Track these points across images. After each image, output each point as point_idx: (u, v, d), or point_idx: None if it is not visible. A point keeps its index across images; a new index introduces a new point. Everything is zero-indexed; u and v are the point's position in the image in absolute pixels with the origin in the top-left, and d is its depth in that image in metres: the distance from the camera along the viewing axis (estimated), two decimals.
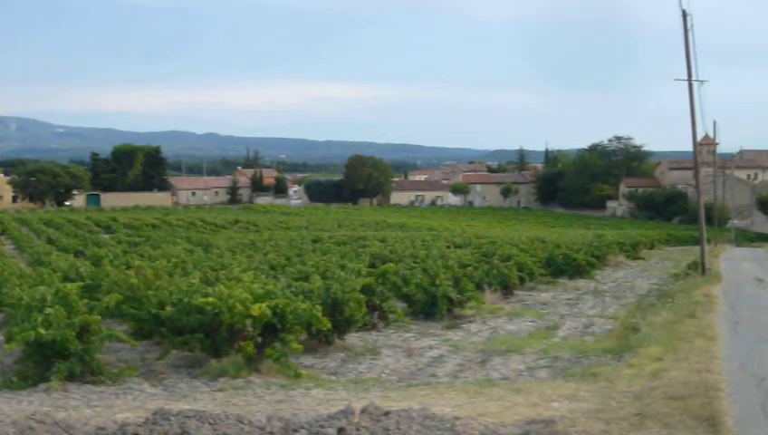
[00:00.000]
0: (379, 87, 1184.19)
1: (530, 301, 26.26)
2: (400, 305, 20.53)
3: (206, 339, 13.80)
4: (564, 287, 30.99)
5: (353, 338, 17.36)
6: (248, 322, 13.40)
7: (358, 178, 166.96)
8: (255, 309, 13.29)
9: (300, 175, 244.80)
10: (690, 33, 35.44)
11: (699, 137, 39.59)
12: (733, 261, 50.75)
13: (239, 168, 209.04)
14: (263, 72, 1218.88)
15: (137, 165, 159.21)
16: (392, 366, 15.07)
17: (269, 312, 13.49)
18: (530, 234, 68.95)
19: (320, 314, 14.27)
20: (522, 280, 29.00)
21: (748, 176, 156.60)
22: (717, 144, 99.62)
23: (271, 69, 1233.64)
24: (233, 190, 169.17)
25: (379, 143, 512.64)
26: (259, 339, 13.78)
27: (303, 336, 15.25)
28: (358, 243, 46.74)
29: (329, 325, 14.94)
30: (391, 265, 21.62)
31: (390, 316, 18.77)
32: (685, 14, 34.92)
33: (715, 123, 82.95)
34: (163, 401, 11.27)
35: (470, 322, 20.91)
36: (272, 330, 13.83)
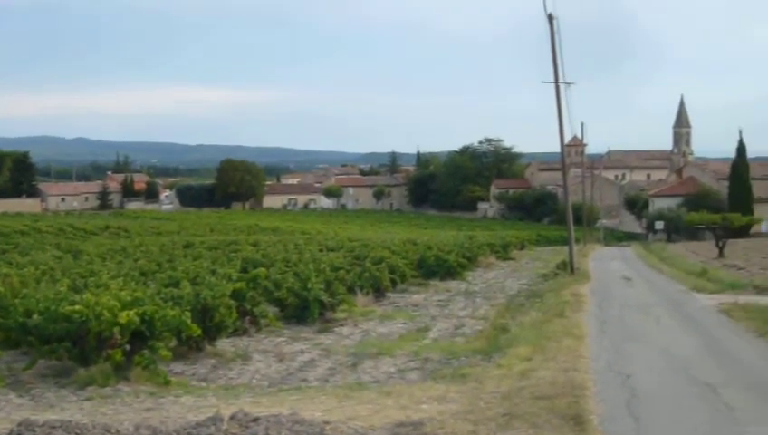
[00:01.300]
0: (250, 90, 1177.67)
1: (402, 303, 26.42)
2: (272, 310, 20.45)
3: (74, 347, 13.55)
4: (436, 289, 31.23)
5: (224, 344, 17.26)
6: (116, 329, 13.21)
7: (230, 182, 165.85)
8: (123, 317, 13.13)
9: (171, 179, 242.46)
10: (557, 37, 36.11)
11: (567, 138, 40.36)
12: (601, 260, 51.82)
13: (109, 173, 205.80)
14: (132, 76, 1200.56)
15: (4, 171, 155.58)
16: (263, 371, 15.03)
17: (137, 319, 13.33)
18: (402, 236, 69.38)
19: (189, 321, 14.17)
20: (394, 282, 29.13)
21: (616, 176, 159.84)
22: (585, 145, 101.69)
23: (140, 72, 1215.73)
24: (103, 196, 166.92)
25: (252, 147, 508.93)
26: (127, 347, 13.60)
27: (173, 343, 15.10)
28: (230, 247, 46.42)
29: (198, 332, 14.83)
30: (262, 269, 21.53)
31: (262, 321, 18.68)
32: (551, 18, 35.57)
33: (582, 125, 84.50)
34: (29, 412, 11.06)
35: (342, 325, 20.95)
36: (140, 337, 13.68)
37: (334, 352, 16.86)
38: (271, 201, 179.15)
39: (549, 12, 35.51)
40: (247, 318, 18.39)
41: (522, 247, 67.91)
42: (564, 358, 14.42)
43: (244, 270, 25.72)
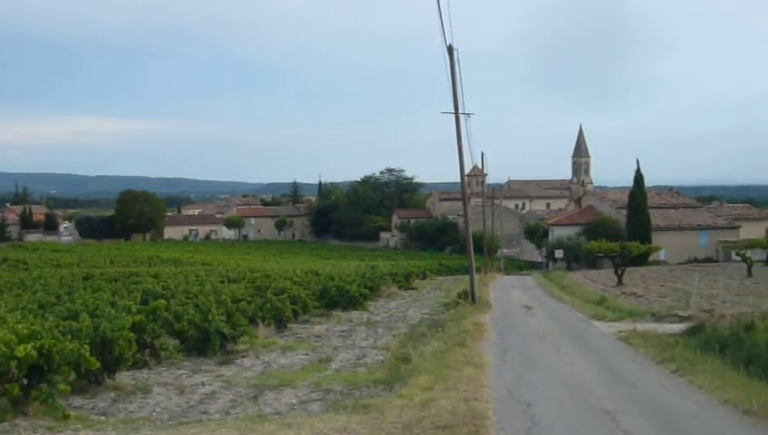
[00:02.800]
0: (150, 121, 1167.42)
1: (304, 334, 26.34)
2: (173, 342, 20.24)
3: None
4: (338, 319, 31.20)
5: (124, 377, 17.05)
6: (13, 363, 12.96)
7: (130, 214, 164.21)
8: (20, 350, 12.89)
9: (71, 211, 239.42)
10: (456, 67, 36.46)
11: (468, 168, 40.72)
12: (502, 289, 52.26)
13: (8, 204, 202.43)
14: (29, 106, 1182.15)
15: None
16: (164, 404, 14.87)
17: (35, 353, 13.10)
18: (304, 266, 69.24)
19: (88, 354, 13.97)
20: (295, 313, 29.04)
21: (516, 206, 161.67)
22: (486, 175, 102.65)
23: (37, 102, 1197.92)
24: (1, 228, 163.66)
25: (152, 177, 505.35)
26: (25, 381, 13.36)
27: (72, 377, 14.86)
28: (130, 279, 45.83)
29: (98, 365, 14.63)
30: (162, 301, 21.30)
31: (162, 354, 18.48)
32: (451, 49, 35.88)
33: (483, 155, 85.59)
34: None
35: (243, 357, 20.82)
36: (38, 371, 13.44)
37: (235, 384, 16.75)
38: (172, 232, 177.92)
39: (449, 43, 35.87)
40: (147, 351, 18.19)
41: (423, 277, 68.18)
42: (465, 387, 14.53)
43: (145, 302, 25.46)
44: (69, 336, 14.77)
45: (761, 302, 30.90)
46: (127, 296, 29.24)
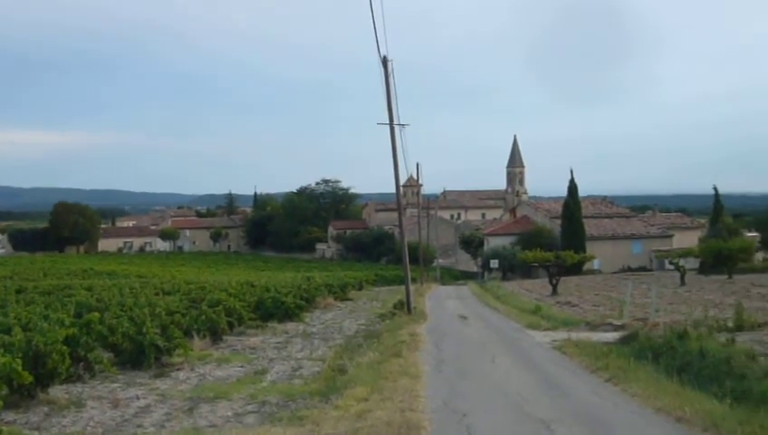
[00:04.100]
0: (84, 132, 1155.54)
1: (239, 346, 26.18)
2: (107, 355, 20.02)
3: None
4: (274, 331, 31.06)
5: (57, 391, 16.84)
6: None
7: (64, 226, 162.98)
8: None
9: (3, 223, 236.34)
10: (391, 79, 36.51)
11: (403, 179, 40.73)
12: (438, 299, 52.44)
13: None
14: None
15: None
16: (98, 418, 14.71)
17: None
18: (240, 278, 68.97)
19: (20, 368, 13.83)
20: (231, 325, 28.86)
21: (452, 216, 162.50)
22: (421, 185, 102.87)
23: None
24: None
25: (86, 189, 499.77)
26: None
27: (4, 391, 14.69)
28: (64, 292, 45.31)
29: (30, 379, 14.47)
30: (96, 314, 21.07)
31: (96, 367, 18.28)
32: (385, 60, 35.95)
33: (418, 165, 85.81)
34: None
35: (178, 369, 20.66)
36: None
37: (170, 397, 16.62)
38: (106, 244, 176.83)
39: (383, 55, 35.94)
40: (81, 364, 17.99)
41: (360, 288, 68.18)
42: (401, 398, 14.55)
43: (79, 315, 25.17)
44: (1, 350, 14.60)
45: (693, 310, 31.23)
46: (60, 309, 28.86)
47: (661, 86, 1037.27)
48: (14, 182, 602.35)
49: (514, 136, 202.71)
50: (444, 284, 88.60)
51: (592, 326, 28.74)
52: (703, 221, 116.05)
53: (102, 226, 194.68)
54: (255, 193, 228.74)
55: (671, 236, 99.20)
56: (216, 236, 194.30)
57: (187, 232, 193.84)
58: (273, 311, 34.84)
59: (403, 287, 40.85)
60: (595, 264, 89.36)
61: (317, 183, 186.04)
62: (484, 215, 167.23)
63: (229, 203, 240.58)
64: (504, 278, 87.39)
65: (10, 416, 14.80)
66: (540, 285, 64.27)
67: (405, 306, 37.91)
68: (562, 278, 59.37)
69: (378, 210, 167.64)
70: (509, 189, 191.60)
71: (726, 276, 62.56)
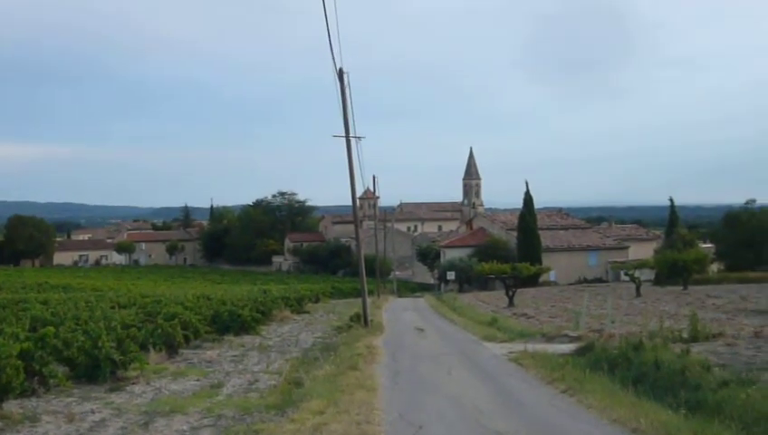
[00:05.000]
0: (38, 145, 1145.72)
1: (195, 359, 26.09)
2: (62, 369, 19.89)
3: None
4: (230, 344, 30.96)
5: (12, 405, 16.68)
6: None
7: (18, 239, 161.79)
8: None
9: None
10: (347, 91, 36.56)
11: (360, 191, 40.76)
12: (395, 312, 52.50)
13: None
14: None
15: None
16: (52, 433, 14.60)
17: None
18: (196, 291, 68.58)
19: None
20: (187, 339, 28.71)
21: (408, 228, 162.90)
22: (378, 198, 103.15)
23: None
24: None
25: (41, 203, 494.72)
26: None
27: None
28: (18, 306, 44.87)
29: None
30: (51, 328, 20.92)
31: (51, 381, 18.15)
32: (341, 73, 35.97)
33: (375, 178, 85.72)
34: None
35: (134, 383, 20.53)
36: None
37: (126, 411, 16.52)
38: (62, 258, 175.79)
39: (339, 67, 35.98)
40: (36, 378, 17.85)
41: (316, 300, 68.10)
42: (357, 410, 14.56)
43: (33, 329, 25.04)
44: None
45: (649, 321, 31.46)
46: (15, 323, 28.60)
47: (619, 99, 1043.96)
48: None
49: (470, 148, 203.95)
50: (401, 296, 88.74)
51: (548, 338, 28.90)
52: (658, 233, 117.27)
53: (58, 239, 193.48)
54: (212, 206, 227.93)
55: (627, 248, 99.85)
56: (172, 250, 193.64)
57: (143, 245, 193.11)
58: (229, 324, 34.72)
59: (360, 300, 40.84)
60: (551, 275, 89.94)
61: (273, 196, 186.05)
62: (440, 227, 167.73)
63: (185, 216, 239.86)
64: (461, 290, 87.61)
65: None
66: (496, 296, 64.58)
67: (361, 319, 37.92)
68: (519, 290, 59.67)
69: (334, 223, 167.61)
70: (465, 202, 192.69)
71: (681, 287, 63.20)
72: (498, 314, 44.66)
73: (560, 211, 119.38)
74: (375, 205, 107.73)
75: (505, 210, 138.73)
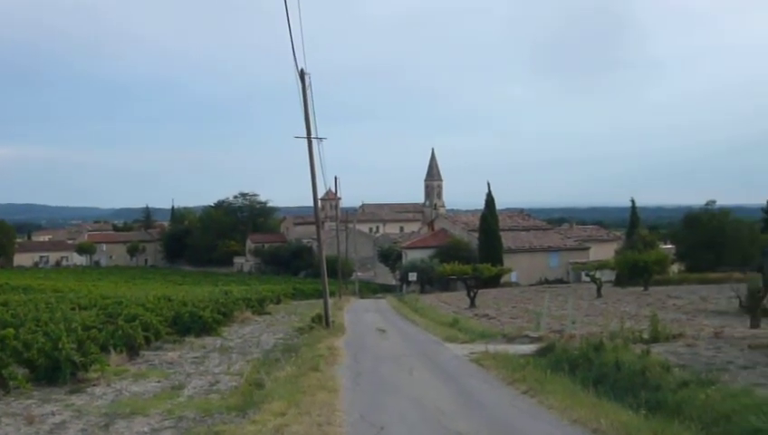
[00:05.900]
0: None
1: (156, 361, 25.99)
2: (22, 371, 19.77)
3: None
4: (191, 346, 30.85)
5: None
6: None
7: None
8: None
9: None
10: (309, 92, 36.52)
11: (322, 192, 40.75)
12: (356, 313, 52.48)
13: None
14: None
15: None
16: None
17: None
18: (157, 292, 68.24)
19: None
20: (148, 340, 28.60)
21: (370, 229, 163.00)
22: (340, 199, 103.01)
23: None
24: None
25: (1, 203, 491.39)
26: None
27: None
28: None
29: None
30: (11, 329, 20.81)
31: (11, 383, 18.07)
32: (302, 73, 35.92)
33: (336, 179, 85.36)
34: None
35: (95, 385, 20.43)
36: None
37: (86, 413, 16.44)
38: (22, 259, 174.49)
39: (301, 68, 35.94)
40: None
41: (278, 302, 67.89)
42: (318, 412, 14.57)
43: None
44: None
45: (609, 322, 31.61)
46: None
47: (580, 102, 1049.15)
48: None
49: (432, 149, 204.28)
50: (362, 297, 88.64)
51: (509, 339, 28.97)
52: (619, 234, 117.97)
53: (18, 240, 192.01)
54: (173, 207, 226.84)
55: (588, 249, 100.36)
56: (133, 251, 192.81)
57: (104, 246, 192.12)
58: (190, 325, 34.61)
59: (321, 301, 40.80)
60: (512, 276, 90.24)
61: (235, 197, 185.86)
62: (402, 228, 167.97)
63: (146, 217, 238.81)
64: (423, 291, 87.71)
65: None
66: (458, 297, 64.69)
67: (323, 320, 37.90)
68: (480, 291, 59.85)
69: (296, 224, 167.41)
70: (427, 203, 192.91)
71: (642, 288, 63.60)
72: (460, 314, 44.74)
73: (521, 212, 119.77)
74: (337, 206, 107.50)
75: (467, 211, 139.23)
